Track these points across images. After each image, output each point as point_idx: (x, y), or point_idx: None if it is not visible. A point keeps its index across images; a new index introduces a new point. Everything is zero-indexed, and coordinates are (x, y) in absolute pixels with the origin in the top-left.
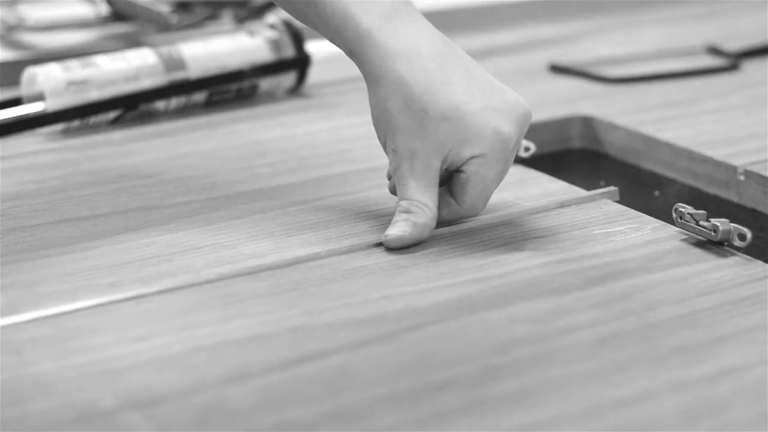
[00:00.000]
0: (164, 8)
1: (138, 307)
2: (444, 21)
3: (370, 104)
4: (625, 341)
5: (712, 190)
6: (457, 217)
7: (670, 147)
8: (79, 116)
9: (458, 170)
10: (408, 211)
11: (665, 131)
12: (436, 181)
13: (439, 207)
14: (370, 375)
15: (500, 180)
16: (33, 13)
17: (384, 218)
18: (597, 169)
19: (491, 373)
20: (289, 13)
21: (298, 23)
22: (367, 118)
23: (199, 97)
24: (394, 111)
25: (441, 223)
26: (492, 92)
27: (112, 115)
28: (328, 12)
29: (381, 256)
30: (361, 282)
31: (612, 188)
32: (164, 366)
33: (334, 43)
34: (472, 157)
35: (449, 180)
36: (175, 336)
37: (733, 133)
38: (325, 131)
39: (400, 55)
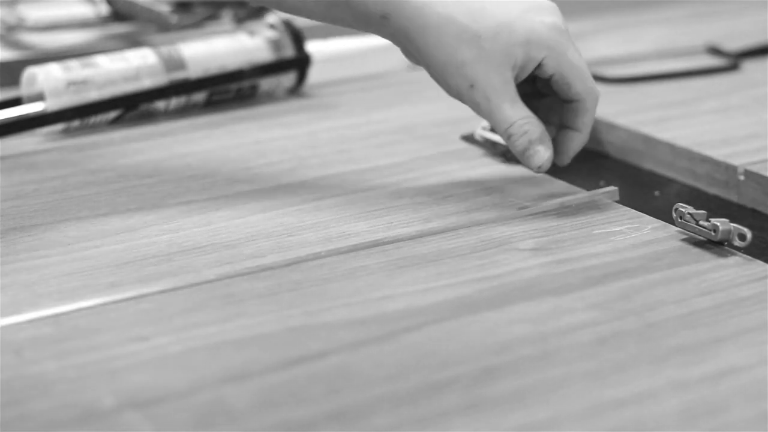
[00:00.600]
0: (164, 8)
1: (138, 307)
2: None
3: (424, 62)
4: (625, 341)
5: (712, 190)
6: (588, 117)
7: (670, 147)
8: (79, 116)
9: (548, 77)
10: (524, 132)
11: (665, 131)
12: (516, 92)
13: (568, 140)
14: (370, 375)
15: (583, 63)
16: (33, 13)
17: (384, 218)
18: (597, 169)
19: (491, 373)
20: (306, 8)
21: (298, 23)
22: (367, 117)
23: (199, 97)
24: (451, 50)
25: (442, 220)
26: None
27: (112, 115)
28: None
29: (381, 256)
30: (361, 282)
31: (612, 188)
32: (164, 366)
33: (359, 20)
34: (542, 58)
35: (553, 99)
36: (175, 336)
37: (733, 133)
38: (325, 131)
39: (433, 0)
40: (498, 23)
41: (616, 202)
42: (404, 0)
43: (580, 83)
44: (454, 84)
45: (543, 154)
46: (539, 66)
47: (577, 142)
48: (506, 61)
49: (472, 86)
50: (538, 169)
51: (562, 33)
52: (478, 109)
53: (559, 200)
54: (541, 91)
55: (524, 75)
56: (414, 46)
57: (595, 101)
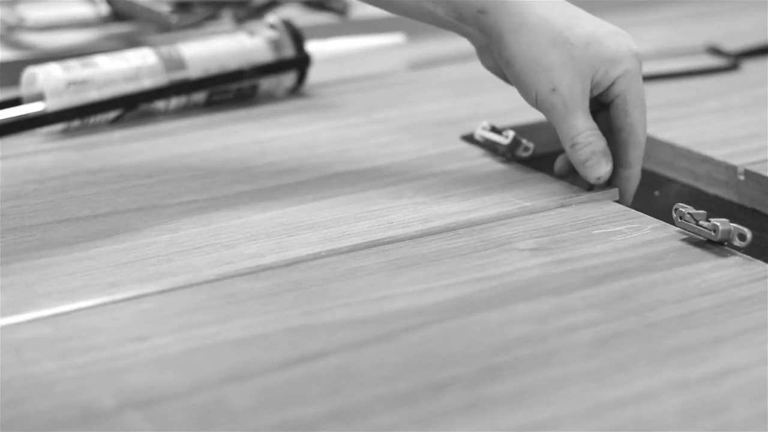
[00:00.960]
0: (164, 8)
1: (138, 307)
2: None
3: (510, 59)
4: (625, 341)
5: (712, 190)
6: (638, 150)
7: (670, 147)
8: (79, 116)
9: (612, 98)
10: (589, 143)
11: (665, 131)
12: (589, 105)
13: (624, 180)
14: (370, 375)
15: (645, 100)
16: (33, 13)
17: (384, 218)
18: None
19: (491, 373)
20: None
21: (298, 22)
22: (367, 117)
23: (199, 97)
24: (543, 51)
25: (442, 220)
26: (606, 22)
27: (112, 115)
28: None
29: (381, 256)
30: (361, 282)
31: (612, 188)
32: (164, 366)
33: (451, 13)
34: (618, 77)
35: (608, 119)
36: (175, 336)
37: (733, 133)
38: (325, 131)
39: (534, 1)
40: (590, 34)
41: (616, 202)
42: None
43: (637, 113)
44: (535, 84)
45: (604, 166)
46: (611, 84)
47: (633, 181)
48: (590, 73)
49: (554, 90)
50: (597, 180)
51: (639, 62)
52: (552, 112)
53: (559, 200)
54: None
55: (596, 91)
56: (504, 43)
57: (644, 135)
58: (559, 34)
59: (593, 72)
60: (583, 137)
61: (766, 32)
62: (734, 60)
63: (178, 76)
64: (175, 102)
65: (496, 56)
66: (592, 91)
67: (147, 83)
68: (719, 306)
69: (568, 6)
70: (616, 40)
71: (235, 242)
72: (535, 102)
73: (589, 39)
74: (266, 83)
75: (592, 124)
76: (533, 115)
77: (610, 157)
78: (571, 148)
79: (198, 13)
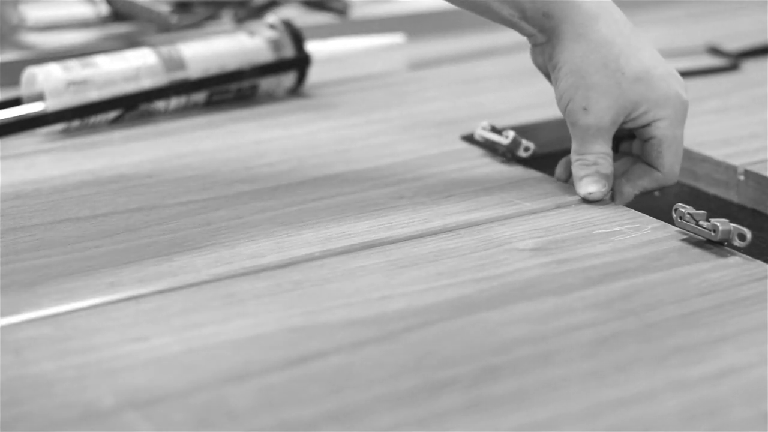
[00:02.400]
0: (164, 8)
1: (138, 307)
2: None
3: (559, 63)
4: (625, 341)
5: (712, 190)
6: (658, 185)
7: None
8: (79, 116)
9: (648, 138)
10: (595, 163)
11: None
12: (612, 135)
13: (639, 177)
14: (370, 375)
15: (682, 146)
16: (33, 13)
17: (384, 218)
18: None
19: (491, 373)
20: None
21: (298, 22)
22: (367, 117)
23: (199, 97)
24: (592, 69)
25: (442, 220)
26: (666, 62)
27: (112, 115)
28: None
29: (381, 256)
30: (361, 282)
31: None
32: (164, 366)
33: (516, 10)
34: (658, 119)
35: (642, 149)
36: (175, 336)
37: (733, 133)
38: (325, 131)
39: (602, 17)
40: (644, 70)
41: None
42: (577, 6)
43: (671, 156)
44: (570, 95)
45: (600, 186)
46: (648, 125)
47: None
48: (629, 107)
49: (585, 109)
50: (588, 195)
51: (685, 111)
52: (575, 127)
53: (559, 200)
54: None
55: (630, 125)
56: (559, 47)
57: (671, 178)
58: (614, 60)
59: (633, 108)
60: (593, 157)
61: (766, 32)
62: (734, 60)
63: (178, 76)
64: (175, 102)
65: (547, 57)
66: (625, 123)
67: (147, 83)
68: (719, 306)
69: (634, 32)
70: (668, 82)
71: (234, 242)
72: (564, 110)
73: (641, 75)
74: (266, 83)
75: (608, 150)
76: (533, 115)
77: (610, 182)
78: (576, 161)
79: (198, 13)
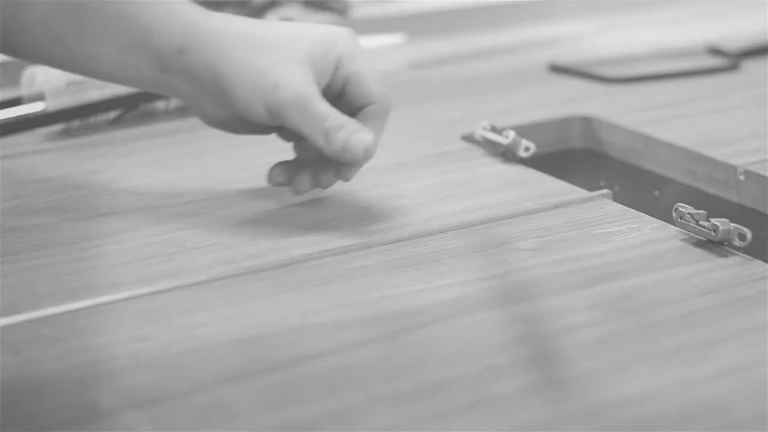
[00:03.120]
0: None
1: (138, 307)
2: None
3: (227, 81)
4: (625, 341)
5: (712, 190)
6: (380, 128)
7: (670, 147)
8: (79, 116)
9: (344, 83)
10: (340, 124)
11: (665, 131)
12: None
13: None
14: (370, 375)
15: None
16: None
17: (384, 218)
18: (597, 169)
19: (491, 373)
20: None
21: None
22: None
23: None
24: (253, 56)
25: (442, 220)
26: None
27: (112, 115)
28: None
29: (381, 256)
30: (361, 282)
31: (605, 191)
32: (164, 366)
33: (154, 62)
34: (340, 56)
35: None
36: (175, 336)
37: (733, 133)
38: None
39: (227, 25)
40: (294, 31)
41: (616, 202)
42: (201, 29)
43: (375, 85)
44: (258, 90)
45: (368, 136)
46: (337, 68)
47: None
48: (307, 60)
49: (276, 86)
50: (365, 153)
51: (354, 38)
52: (285, 111)
53: (559, 200)
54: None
55: (324, 79)
56: (215, 73)
57: (389, 107)
58: (263, 39)
59: (311, 60)
60: (332, 120)
61: (766, 32)
62: (734, 60)
63: None
64: (175, 102)
65: (209, 96)
66: (319, 82)
67: None
68: (719, 306)
69: (261, 20)
70: (322, 27)
71: (235, 242)
72: (265, 111)
73: (294, 33)
74: None
75: (331, 107)
76: (533, 115)
77: (368, 129)
78: (326, 135)
79: None
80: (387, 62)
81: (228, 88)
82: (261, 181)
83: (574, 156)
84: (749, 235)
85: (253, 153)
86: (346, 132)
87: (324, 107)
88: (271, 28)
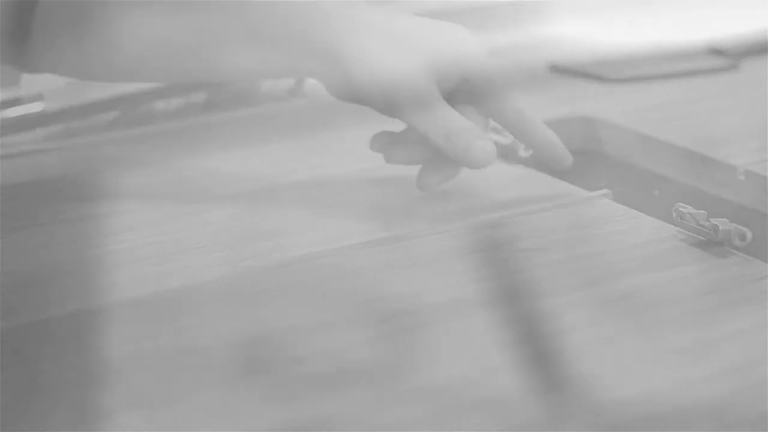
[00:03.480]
0: None
1: (138, 307)
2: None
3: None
4: (625, 341)
5: (712, 190)
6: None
7: (670, 147)
8: (79, 116)
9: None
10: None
11: (665, 131)
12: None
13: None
14: (371, 375)
15: None
16: None
17: (384, 218)
18: (597, 169)
19: (491, 373)
20: None
21: None
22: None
23: (200, 97)
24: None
25: (442, 220)
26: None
27: (112, 115)
28: None
29: (381, 256)
30: (361, 282)
31: (605, 191)
32: (164, 366)
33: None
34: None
35: None
36: (175, 336)
37: (734, 133)
38: (325, 131)
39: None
40: (420, 26)
41: (616, 202)
42: (325, 14)
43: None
44: (377, 88)
45: (490, 145)
46: (456, 70)
47: None
48: (431, 58)
49: (397, 83)
50: (486, 161)
51: (475, 40)
52: (404, 109)
53: (559, 200)
54: None
55: (445, 81)
56: (336, 56)
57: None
58: (390, 31)
59: (434, 58)
60: (454, 123)
61: (766, 32)
62: (734, 60)
63: None
64: (175, 102)
65: (330, 79)
66: (440, 80)
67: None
68: (719, 306)
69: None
70: (445, 27)
71: (235, 242)
72: (385, 105)
73: (419, 29)
74: (266, 83)
75: (454, 111)
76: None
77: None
78: (446, 139)
79: None
80: None
81: (349, 75)
82: (261, 180)
83: (574, 156)
84: (749, 235)
85: (253, 153)
86: (469, 136)
87: (446, 109)
88: (400, 19)
